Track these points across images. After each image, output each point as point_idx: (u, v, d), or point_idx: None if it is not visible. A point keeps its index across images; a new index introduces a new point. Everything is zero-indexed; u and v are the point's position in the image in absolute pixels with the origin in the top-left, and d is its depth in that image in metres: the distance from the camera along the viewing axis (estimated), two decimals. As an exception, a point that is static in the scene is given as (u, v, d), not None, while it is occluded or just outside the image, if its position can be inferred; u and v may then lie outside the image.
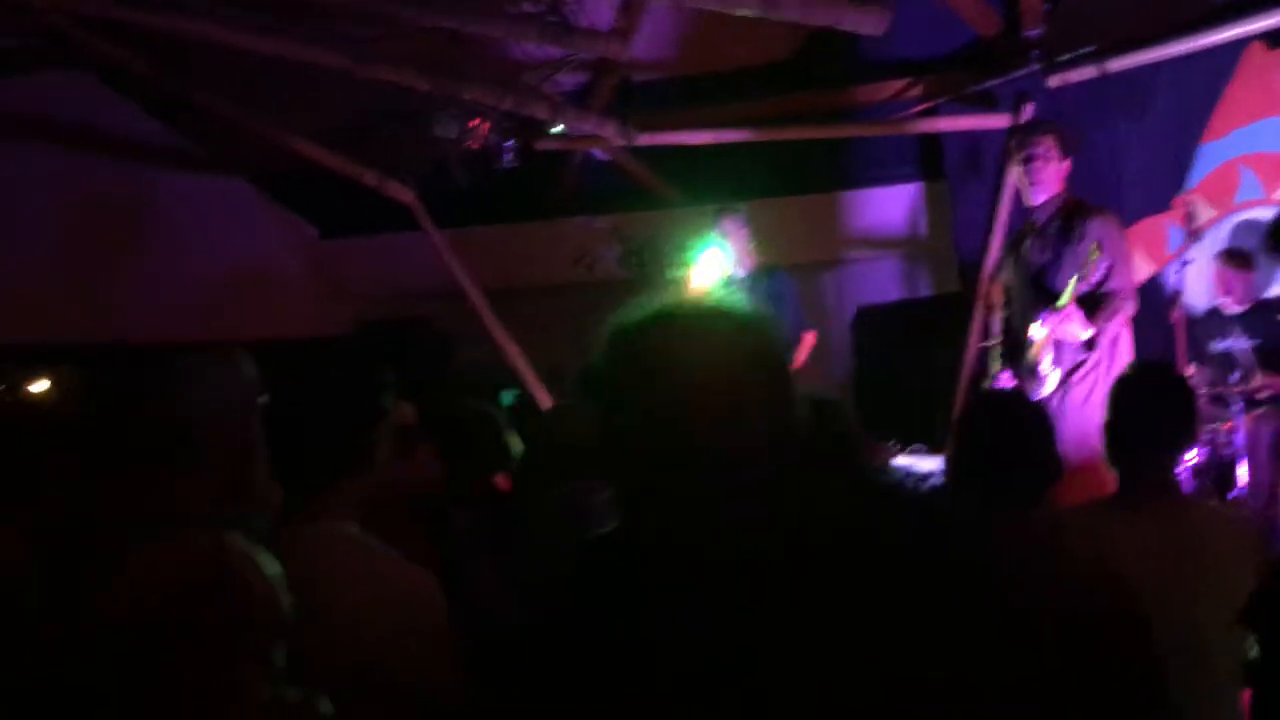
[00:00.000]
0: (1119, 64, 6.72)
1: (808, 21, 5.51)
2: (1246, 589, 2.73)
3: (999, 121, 7.39)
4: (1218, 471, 5.38)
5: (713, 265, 7.10)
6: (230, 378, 2.19)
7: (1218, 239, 6.42)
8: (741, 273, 6.34)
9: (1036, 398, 4.44)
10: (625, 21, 6.24)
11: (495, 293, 8.23)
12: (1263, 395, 5.45)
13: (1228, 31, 6.11)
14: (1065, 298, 4.58)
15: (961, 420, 2.74)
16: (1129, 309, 4.74)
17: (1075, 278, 4.57)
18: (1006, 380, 4.90)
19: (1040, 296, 4.80)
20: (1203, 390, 5.36)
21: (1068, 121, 7.01)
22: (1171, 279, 5.22)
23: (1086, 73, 6.86)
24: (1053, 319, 4.62)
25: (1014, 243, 5.18)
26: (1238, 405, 5.34)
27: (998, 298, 6.80)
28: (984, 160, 7.60)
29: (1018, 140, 4.95)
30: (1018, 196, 6.92)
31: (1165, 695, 2.40)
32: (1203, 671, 2.64)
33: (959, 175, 8.13)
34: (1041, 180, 4.83)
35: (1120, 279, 4.70)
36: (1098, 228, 4.74)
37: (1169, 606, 2.55)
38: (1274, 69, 6.10)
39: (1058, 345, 4.71)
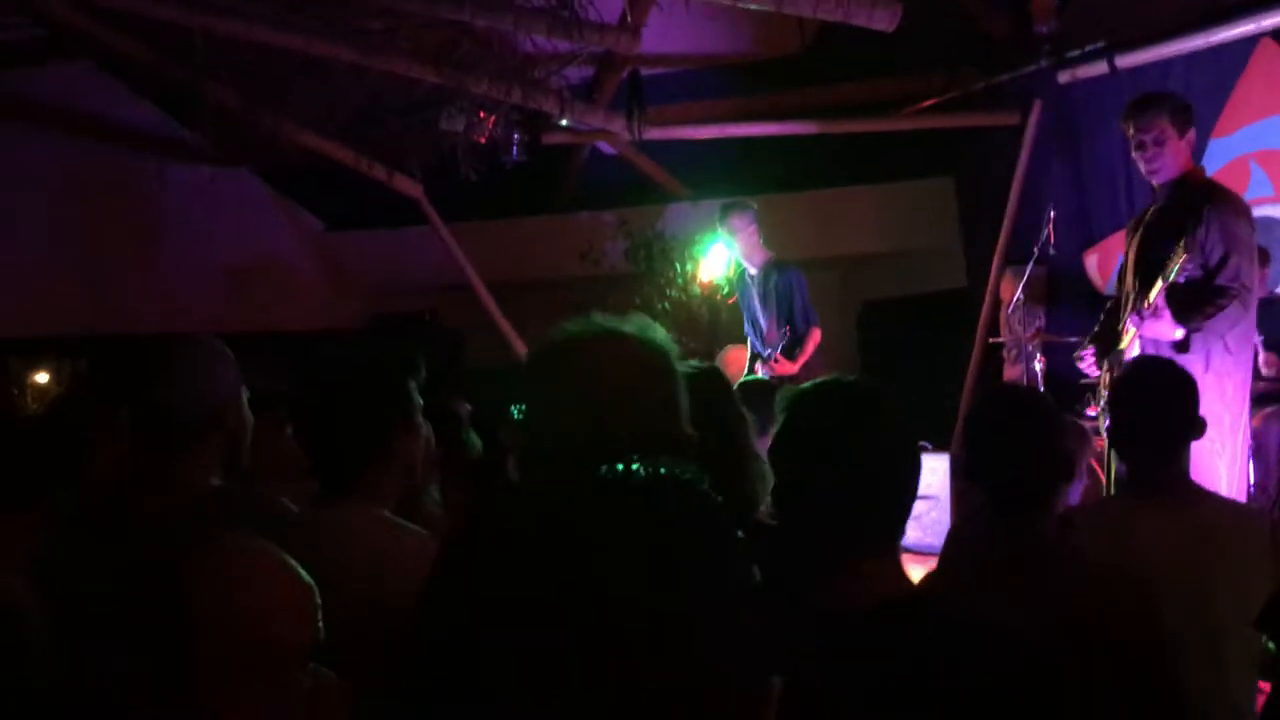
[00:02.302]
0: (1129, 60, 6.69)
1: (819, 16, 5.48)
2: (1263, 581, 2.73)
3: (1008, 118, 7.38)
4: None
5: (720, 260, 7.09)
6: (221, 363, 2.23)
7: (1227, 236, 6.38)
8: (752, 269, 6.32)
9: None
10: (634, 15, 6.22)
11: (500, 286, 8.24)
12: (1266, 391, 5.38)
13: (1239, 28, 6.08)
14: (1152, 295, 4.10)
15: (972, 417, 2.72)
16: (1235, 309, 4.12)
17: (1160, 277, 4.08)
18: (1088, 362, 4.49)
19: (1142, 284, 4.31)
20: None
21: (1076, 118, 7.03)
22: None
23: (1097, 69, 6.84)
24: (1135, 318, 4.20)
25: (1135, 223, 4.61)
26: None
27: (1007, 294, 6.79)
28: (992, 156, 7.59)
29: (1129, 123, 4.39)
30: (1108, 173, 6.72)
31: (1177, 690, 2.39)
32: (1217, 662, 2.62)
33: (967, 171, 8.12)
34: (1159, 165, 4.32)
35: (1230, 273, 4.10)
36: (1216, 215, 4.16)
37: (1184, 597, 2.54)
38: (1285, 66, 6.06)
39: (1150, 344, 4.23)
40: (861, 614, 1.67)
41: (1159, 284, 4.11)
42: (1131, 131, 4.41)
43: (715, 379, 2.46)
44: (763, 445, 4.20)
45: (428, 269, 8.44)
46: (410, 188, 7.89)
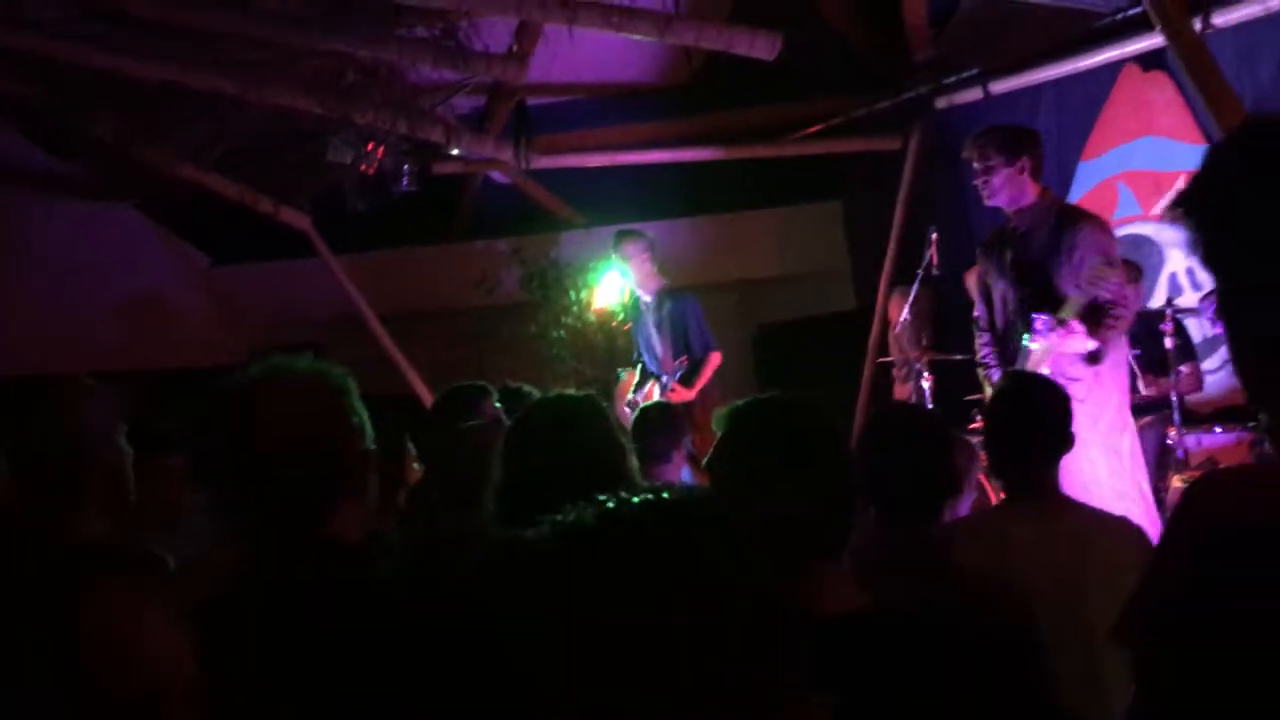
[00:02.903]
0: (1001, 86, 6.94)
1: (701, 45, 5.59)
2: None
3: (890, 143, 7.58)
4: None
5: (613, 287, 7.13)
6: (96, 404, 2.18)
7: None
8: (646, 296, 6.37)
9: None
10: (522, 45, 6.25)
11: (394, 317, 8.15)
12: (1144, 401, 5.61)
13: (1104, 54, 6.34)
14: (1068, 311, 4.22)
15: (863, 435, 2.79)
16: (1127, 320, 4.39)
17: (1079, 293, 4.24)
18: None
19: (1031, 304, 4.42)
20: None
21: (954, 142, 7.22)
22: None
23: (972, 95, 7.08)
24: (1054, 334, 4.25)
25: (991, 247, 4.72)
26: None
27: (895, 315, 6.95)
28: (877, 180, 7.78)
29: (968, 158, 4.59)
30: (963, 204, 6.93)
31: (1056, 698, 2.46)
32: (1095, 670, 2.71)
33: (853, 195, 8.30)
34: (997, 191, 4.47)
35: (1117, 289, 4.31)
36: (1088, 236, 4.37)
37: (1059, 604, 2.61)
38: (1148, 90, 6.33)
39: (1054, 360, 4.30)
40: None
41: (1076, 300, 4.23)
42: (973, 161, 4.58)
43: (583, 408, 2.38)
44: (665, 471, 4.22)
45: (318, 302, 8.31)
46: (297, 219, 7.78)
